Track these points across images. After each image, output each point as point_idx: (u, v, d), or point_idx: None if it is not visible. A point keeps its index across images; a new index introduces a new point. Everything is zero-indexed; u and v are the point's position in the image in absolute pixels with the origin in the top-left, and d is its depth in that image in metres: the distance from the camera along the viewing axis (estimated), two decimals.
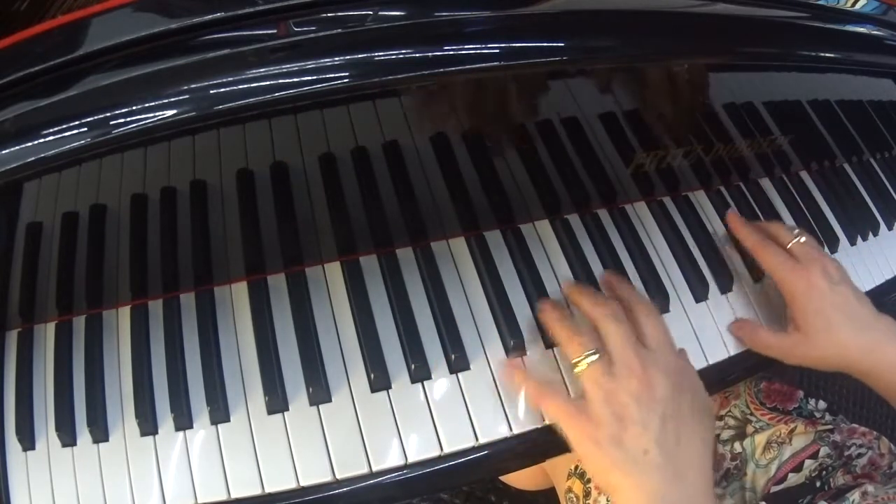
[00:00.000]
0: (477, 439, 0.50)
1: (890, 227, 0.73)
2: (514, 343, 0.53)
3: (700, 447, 0.47)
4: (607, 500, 0.61)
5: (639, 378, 0.46)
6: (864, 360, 0.53)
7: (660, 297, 0.58)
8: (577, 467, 0.65)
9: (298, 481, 0.48)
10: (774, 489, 0.64)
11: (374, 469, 0.49)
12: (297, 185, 0.49)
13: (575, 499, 0.65)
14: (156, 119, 0.37)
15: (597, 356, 0.47)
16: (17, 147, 0.37)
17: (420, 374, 0.52)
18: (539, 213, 0.60)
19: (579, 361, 0.48)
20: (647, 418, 0.45)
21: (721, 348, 0.58)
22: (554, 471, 0.70)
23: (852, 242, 0.70)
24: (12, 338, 0.53)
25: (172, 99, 0.37)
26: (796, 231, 0.58)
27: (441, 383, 0.52)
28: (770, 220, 0.63)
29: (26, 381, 0.51)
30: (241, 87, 0.38)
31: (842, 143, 0.72)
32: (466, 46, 0.41)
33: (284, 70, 0.38)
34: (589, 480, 0.64)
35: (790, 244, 0.58)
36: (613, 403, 0.46)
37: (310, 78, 0.38)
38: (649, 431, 0.45)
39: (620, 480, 0.45)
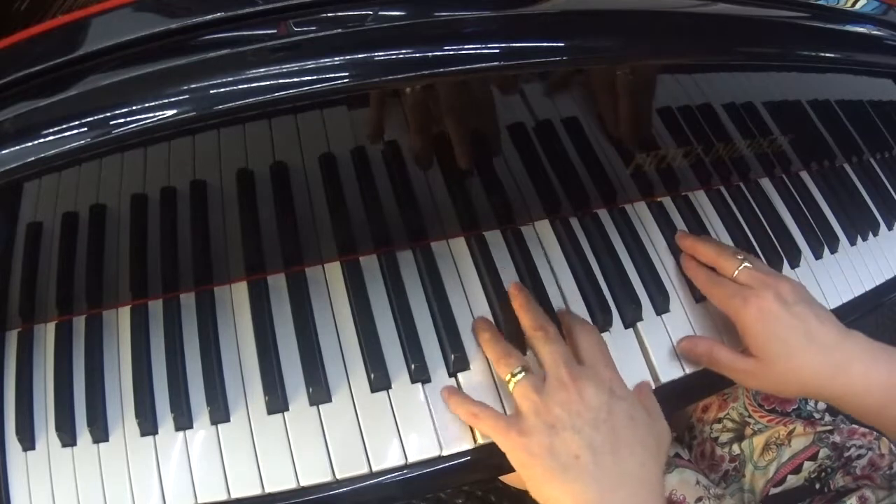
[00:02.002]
0: (476, 440, 0.50)
1: (890, 227, 0.73)
2: (513, 343, 0.53)
3: (641, 455, 0.46)
4: None
5: (568, 389, 0.47)
6: (833, 384, 0.50)
7: (660, 297, 0.58)
8: None
9: (298, 481, 0.48)
10: (773, 491, 0.64)
11: (374, 469, 0.49)
12: (297, 185, 0.49)
13: None
14: (156, 119, 0.37)
15: (523, 374, 0.49)
16: (17, 147, 0.37)
17: (420, 374, 0.52)
18: (539, 213, 0.60)
19: (509, 380, 0.49)
20: (577, 423, 0.46)
21: None
22: None
23: (852, 242, 0.70)
24: (12, 338, 0.53)
25: (172, 99, 0.37)
26: (740, 256, 0.55)
27: (441, 383, 0.52)
28: (713, 243, 0.59)
29: (26, 381, 0.51)
30: (241, 87, 0.38)
31: (842, 143, 0.72)
32: (466, 46, 0.41)
33: (284, 70, 0.38)
34: None
35: (736, 271, 0.54)
36: (544, 413, 0.46)
37: (310, 78, 0.38)
38: (580, 436, 0.45)
39: (554, 489, 0.45)
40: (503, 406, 0.52)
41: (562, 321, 0.54)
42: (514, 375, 0.49)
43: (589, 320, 0.56)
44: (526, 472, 0.46)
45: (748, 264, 0.54)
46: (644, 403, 0.51)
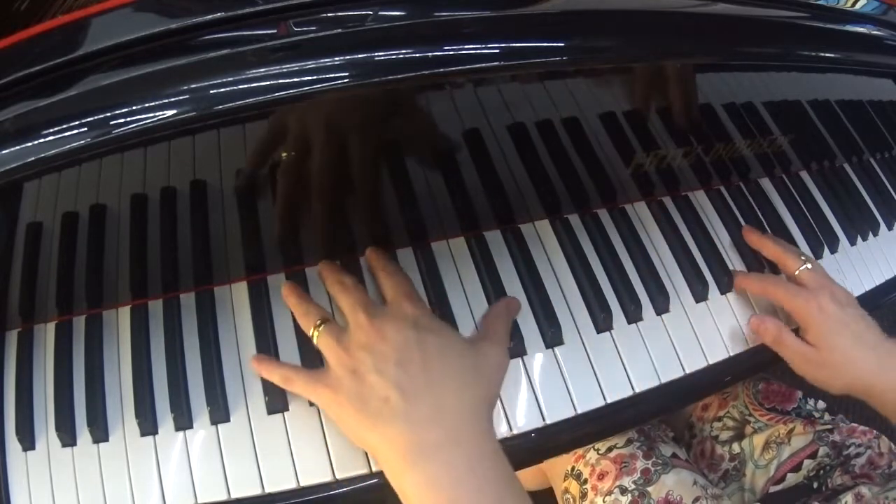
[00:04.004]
0: None
1: (890, 227, 0.73)
2: (514, 344, 0.53)
3: (457, 388, 0.45)
4: (602, 501, 0.61)
5: (366, 331, 0.46)
6: (876, 382, 0.53)
7: (660, 297, 0.58)
8: (573, 468, 0.65)
9: (298, 481, 0.48)
10: (773, 489, 0.64)
11: (374, 469, 0.49)
12: (297, 185, 0.49)
13: (571, 499, 0.65)
14: (156, 119, 0.37)
15: (324, 324, 0.48)
16: (17, 147, 0.37)
17: None
18: (539, 213, 0.60)
19: (312, 333, 0.49)
20: (381, 365, 0.44)
21: (721, 348, 0.58)
22: (551, 472, 0.70)
23: (852, 242, 0.70)
24: (12, 338, 0.53)
25: (172, 99, 0.37)
26: (803, 258, 0.60)
27: None
28: (779, 242, 0.63)
29: (26, 381, 0.51)
30: (241, 87, 0.38)
31: (842, 143, 0.72)
32: (466, 46, 0.41)
33: (284, 70, 0.38)
34: (585, 481, 0.64)
35: (798, 271, 0.59)
36: (346, 360, 0.46)
37: (310, 78, 0.38)
38: (386, 377, 0.44)
39: (370, 435, 0.44)
40: (503, 407, 0.51)
41: (369, 264, 0.54)
42: (316, 328, 0.49)
43: (589, 319, 0.56)
44: (342, 424, 0.46)
45: (809, 266, 0.59)
46: (485, 326, 0.52)
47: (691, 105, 0.56)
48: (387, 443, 0.43)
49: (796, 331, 0.58)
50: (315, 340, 0.49)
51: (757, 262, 0.63)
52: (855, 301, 0.58)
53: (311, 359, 0.51)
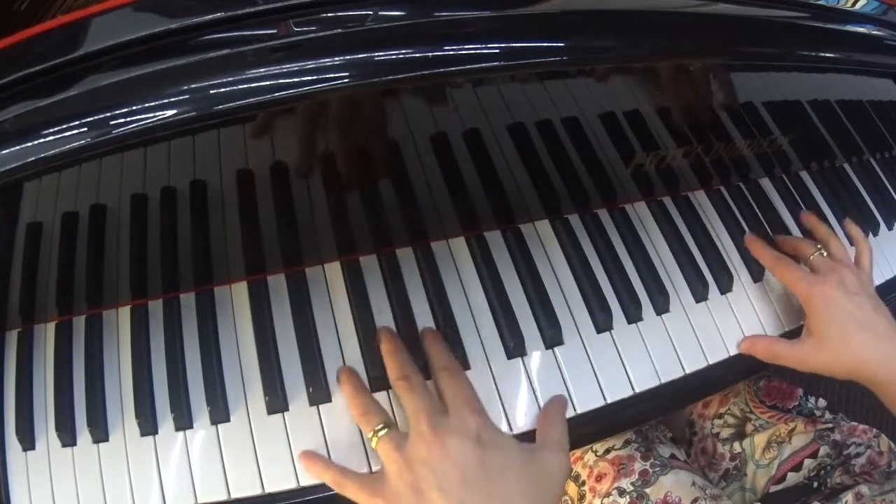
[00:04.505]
0: None
1: (890, 227, 0.73)
2: (514, 344, 0.53)
3: (523, 498, 0.44)
4: (601, 502, 0.61)
5: (429, 444, 0.44)
6: (880, 371, 0.52)
7: (660, 297, 0.58)
8: (571, 470, 0.65)
9: (298, 481, 0.48)
10: (774, 489, 0.64)
11: (374, 469, 0.49)
12: (297, 184, 0.49)
13: (569, 501, 0.65)
14: (156, 119, 0.37)
15: (386, 430, 0.46)
16: (17, 147, 0.37)
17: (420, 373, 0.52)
18: (539, 213, 0.60)
19: (371, 437, 0.47)
20: (443, 483, 0.43)
21: (721, 348, 0.58)
22: None
23: (852, 242, 0.69)
24: (12, 338, 0.53)
25: (172, 99, 0.37)
26: (819, 246, 0.60)
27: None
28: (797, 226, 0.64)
29: (26, 381, 0.51)
30: (241, 87, 0.38)
31: (842, 143, 0.72)
32: (466, 46, 0.41)
33: (284, 70, 0.38)
34: (583, 483, 0.64)
35: (812, 255, 0.59)
36: (407, 475, 0.44)
37: (310, 78, 0.38)
38: (449, 497, 0.42)
39: None
40: (504, 407, 0.51)
41: (429, 363, 0.51)
42: (375, 433, 0.46)
43: (589, 319, 0.56)
44: None
45: (824, 252, 0.59)
46: (542, 431, 0.50)
47: (691, 105, 0.56)
48: None
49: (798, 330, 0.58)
50: (373, 445, 0.47)
51: (756, 262, 0.63)
52: (868, 288, 0.57)
53: (313, 361, 0.51)
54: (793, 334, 0.60)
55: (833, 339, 0.54)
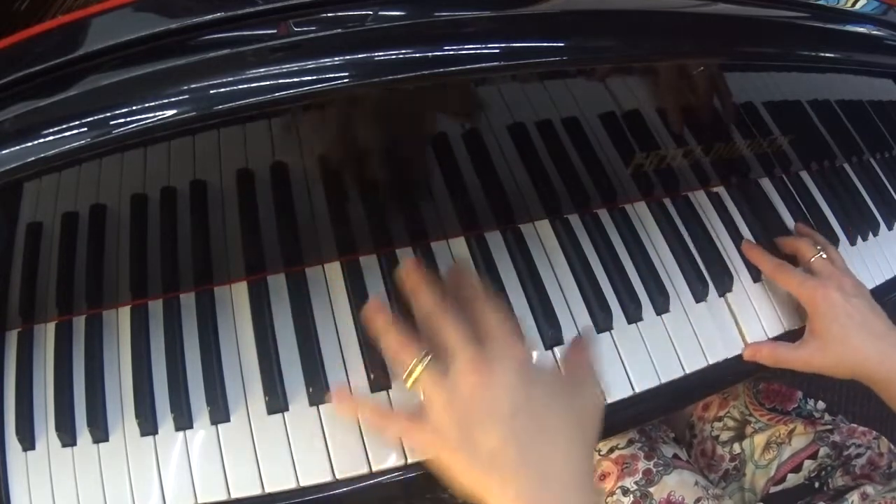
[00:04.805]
0: None
1: (890, 227, 0.73)
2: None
3: (565, 438, 0.43)
4: (604, 502, 0.61)
5: (478, 373, 0.43)
6: (880, 369, 0.54)
7: (660, 297, 0.58)
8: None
9: (298, 481, 0.48)
10: (774, 489, 0.64)
11: (374, 469, 0.49)
12: (297, 184, 0.49)
13: None
14: (156, 119, 0.37)
15: (427, 360, 0.44)
16: (17, 147, 0.37)
17: None
18: (539, 213, 0.60)
19: (413, 369, 0.44)
20: (492, 414, 0.42)
21: (721, 348, 0.58)
22: None
23: (852, 242, 0.69)
24: (12, 338, 0.53)
25: (172, 99, 0.37)
26: (819, 247, 0.61)
27: None
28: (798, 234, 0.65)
29: (26, 381, 0.51)
30: (241, 87, 0.38)
31: (842, 143, 0.72)
32: (466, 46, 0.41)
33: (284, 70, 0.38)
34: None
35: (812, 259, 0.60)
36: (454, 406, 0.42)
37: (310, 78, 0.38)
38: (497, 428, 0.42)
39: (480, 482, 0.42)
40: None
41: (461, 294, 0.48)
42: (420, 362, 0.44)
43: (590, 321, 0.56)
44: (448, 469, 0.43)
45: (823, 255, 0.60)
46: (575, 367, 0.50)
47: (691, 105, 0.56)
48: (497, 488, 0.41)
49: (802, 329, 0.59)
50: (414, 377, 0.44)
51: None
52: (864, 292, 0.59)
53: (313, 361, 0.51)
54: (793, 334, 0.60)
55: (835, 340, 0.55)
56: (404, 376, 0.44)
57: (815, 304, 0.57)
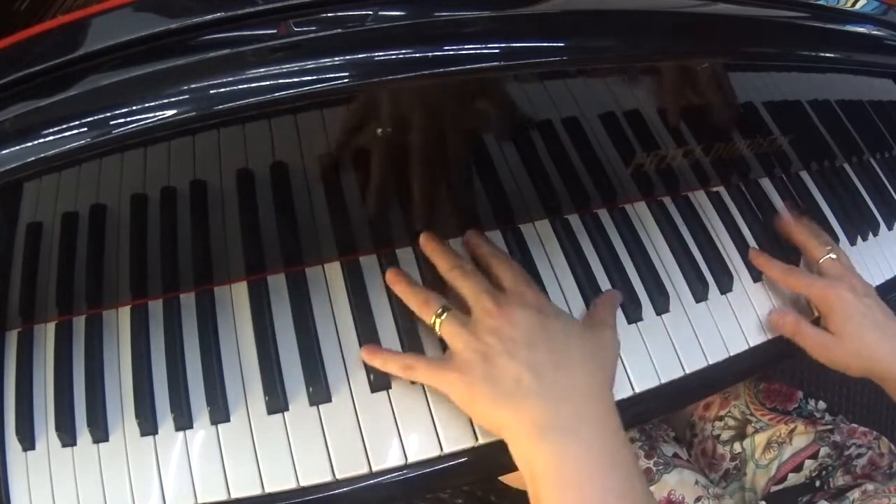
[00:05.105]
0: (477, 439, 0.50)
1: (890, 227, 0.73)
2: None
3: (582, 369, 0.47)
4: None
5: (493, 315, 0.47)
6: (891, 367, 0.55)
7: (660, 297, 0.58)
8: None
9: (298, 481, 0.48)
10: (774, 489, 0.64)
11: (374, 469, 0.49)
12: (297, 185, 0.49)
13: None
14: (156, 119, 0.37)
15: (447, 312, 0.48)
16: (17, 147, 0.37)
17: None
18: (539, 213, 0.60)
19: (434, 321, 0.49)
20: (511, 347, 0.46)
21: (721, 348, 0.58)
22: None
23: (852, 242, 0.70)
24: (12, 338, 0.53)
25: (172, 99, 0.37)
26: (829, 247, 0.62)
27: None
28: (809, 227, 0.65)
29: (26, 381, 0.51)
30: (241, 87, 0.38)
31: (842, 143, 0.72)
32: (466, 46, 0.41)
33: (284, 70, 0.38)
34: None
35: (821, 259, 0.61)
36: (475, 344, 0.46)
37: (310, 78, 0.38)
38: (517, 359, 0.45)
39: (501, 416, 0.45)
40: None
41: (476, 255, 0.54)
42: (438, 316, 0.49)
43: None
44: (471, 407, 0.47)
45: (833, 256, 0.61)
46: (594, 312, 0.54)
47: (691, 105, 0.56)
48: (520, 420, 0.44)
49: (816, 321, 0.59)
50: (438, 328, 0.49)
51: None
52: (873, 291, 0.60)
53: (313, 361, 0.51)
54: None
55: (849, 338, 0.56)
56: (430, 322, 0.49)
57: (829, 305, 0.57)
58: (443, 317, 0.49)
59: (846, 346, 0.57)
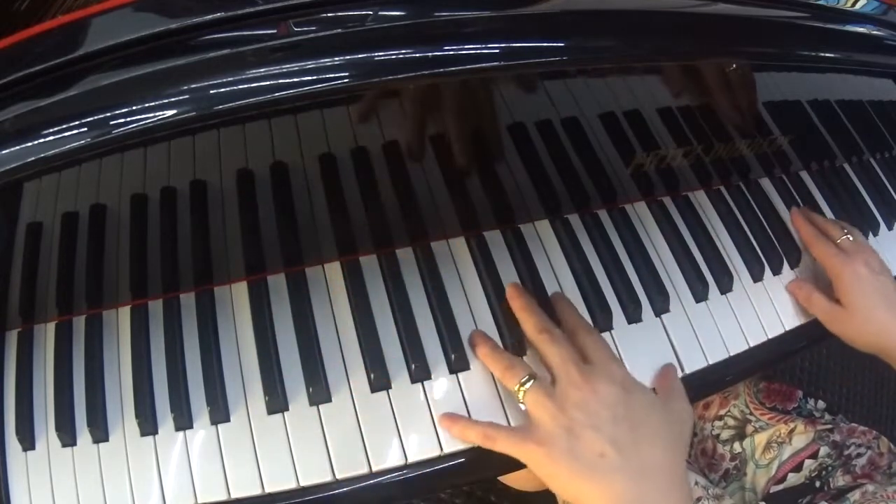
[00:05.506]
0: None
1: (890, 227, 0.73)
2: (512, 344, 0.53)
3: (662, 445, 0.47)
4: None
5: (581, 388, 0.47)
6: None
7: (660, 297, 0.58)
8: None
9: (298, 481, 0.48)
10: (774, 489, 0.64)
11: (374, 469, 0.49)
12: (297, 185, 0.49)
13: None
14: (156, 119, 0.37)
15: (532, 381, 0.48)
16: (17, 147, 0.37)
17: (420, 374, 0.52)
18: (539, 213, 0.60)
19: (518, 389, 0.48)
20: (596, 422, 0.46)
21: (721, 348, 0.58)
22: None
23: None
24: (12, 338, 0.53)
25: (172, 99, 0.37)
26: (846, 230, 0.64)
27: (441, 383, 0.52)
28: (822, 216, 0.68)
29: (26, 381, 0.51)
30: (241, 87, 0.38)
31: (842, 143, 0.72)
32: (466, 46, 0.41)
33: (284, 70, 0.38)
34: None
35: (840, 239, 0.63)
36: (560, 418, 0.46)
37: (310, 78, 0.38)
38: (602, 434, 0.45)
39: (583, 488, 0.45)
40: (504, 408, 0.51)
41: (562, 322, 0.54)
42: (522, 385, 0.48)
43: (589, 320, 0.56)
44: (553, 481, 0.46)
45: (850, 237, 0.63)
46: (665, 387, 0.53)
47: (691, 105, 0.56)
48: (598, 494, 0.45)
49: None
50: (521, 397, 0.48)
51: (756, 260, 0.63)
52: (887, 270, 0.62)
53: (313, 361, 0.51)
54: (793, 334, 0.60)
55: (860, 311, 0.58)
56: (514, 390, 0.49)
57: (844, 278, 0.59)
58: (527, 385, 0.48)
59: (856, 319, 0.58)
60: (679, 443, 0.49)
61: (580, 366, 0.48)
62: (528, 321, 0.52)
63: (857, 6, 0.56)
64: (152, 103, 0.37)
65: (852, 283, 0.59)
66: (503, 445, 0.48)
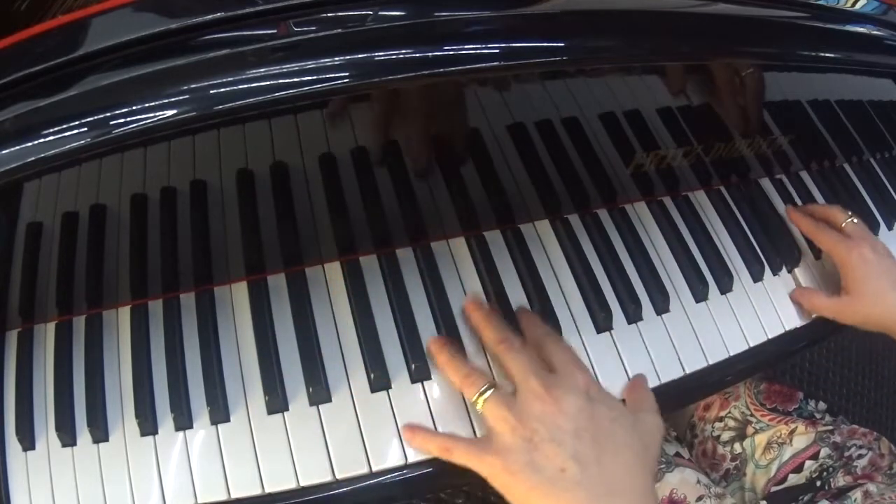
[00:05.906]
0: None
1: (890, 227, 0.73)
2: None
3: (628, 460, 0.45)
4: None
5: (542, 399, 0.45)
6: None
7: (660, 297, 0.58)
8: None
9: (298, 481, 0.48)
10: (775, 489, 0.64)
11: (374, 469, 0.49)
12: (297, 185, 0.49)
13: None
14: (156, 119, 0.37)
15: (492, 391, 0.47)
16: (17, 147, 0.37)
17: (420, 374, 0.52)
18: (539, 213, 0.60)
19: (477, 399, 0.47)
20: (557, 435, 0.44)
21: (721, 348, 0.58)
22: None
23: None
24: (12, 338, 0.53)
25: (172, 99, 0.37)
26: (849, 213, 0.64)
27: (441, 383, 0.52)
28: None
29: (26, 381, 0.51)
30: (241, 87, 0.38)
31: (842, 143, 0.72)
32: (466, 46, 0.41)
33: (284, 70, 0.38)
34: None
35: (844, 223, 0.63)
36: (520, 430, 0.44)
37: (310, 78, 0.38)
38: (563, 448, 0.43)
39: (544, 502, 0.43)
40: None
41: (525, 331, 0.52)
42: (481, 394, 0.47)
43: (589, 319, 0.56)
44: (511, 494, 0.44)
45: (855, 220, 0.64)
46: (634, 398, 0.52)
47: (691, 105, 0.56)
48: None
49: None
50: (479, 407, 0.47)
51: (756, 260, 0.63)
52: (890, 253, 0.62)
53: (313, 361, 0.51)
54: (793, 334, 0.60)
55: (868, 294, 0.59)
56: (472, 401, 0.47)
57: (850, 263, 0.60)
58: (486, 395, 0.46)
59: (865, 302, 0.59)
60: (646, 457, 0.47)
61: (543, 376, 0.46)
62: (487, 332, 0.51)
63: (857, 6, 0.56)
64: (152, 103, 0.37)
65: (860, 266, 0.59)
66: (460, 457, 0.46)
